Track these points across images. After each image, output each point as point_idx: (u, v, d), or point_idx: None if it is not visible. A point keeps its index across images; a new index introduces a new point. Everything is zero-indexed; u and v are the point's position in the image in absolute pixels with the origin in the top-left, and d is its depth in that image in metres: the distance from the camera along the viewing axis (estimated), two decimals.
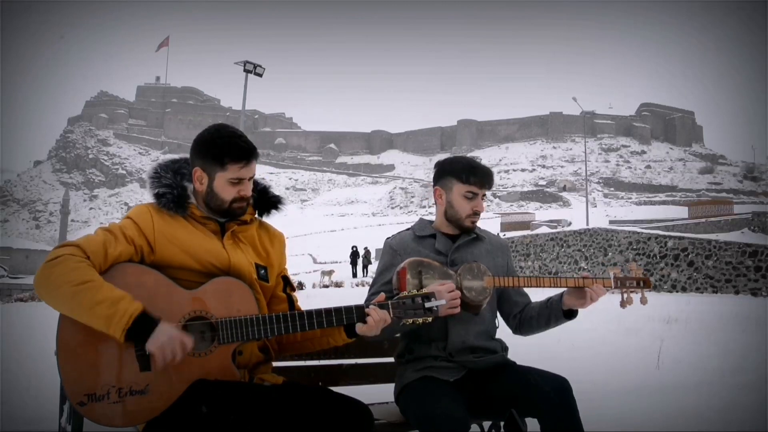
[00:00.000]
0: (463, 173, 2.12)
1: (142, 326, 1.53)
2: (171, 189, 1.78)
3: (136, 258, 1.70)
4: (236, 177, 1.77)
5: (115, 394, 1.55)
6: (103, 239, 1.66)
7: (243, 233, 1.87)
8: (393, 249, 2.14)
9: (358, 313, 1.73)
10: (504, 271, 2.16)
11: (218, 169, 1.76)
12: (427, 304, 1.73)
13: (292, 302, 1.93)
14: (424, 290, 1.79)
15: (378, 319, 1.72)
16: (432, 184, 2.25)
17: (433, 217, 2.27)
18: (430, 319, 1.75)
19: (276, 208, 1.98)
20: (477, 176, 2.11)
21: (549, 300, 2.13)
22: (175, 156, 1.96)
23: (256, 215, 1.95)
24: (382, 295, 1.81)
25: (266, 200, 1.96)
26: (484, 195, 2.15)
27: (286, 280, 1.96)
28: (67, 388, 1.55)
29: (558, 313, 2.09)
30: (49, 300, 1.57)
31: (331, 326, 1.73)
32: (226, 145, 1.76)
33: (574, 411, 1.86)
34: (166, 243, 1.72)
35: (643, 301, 2.10)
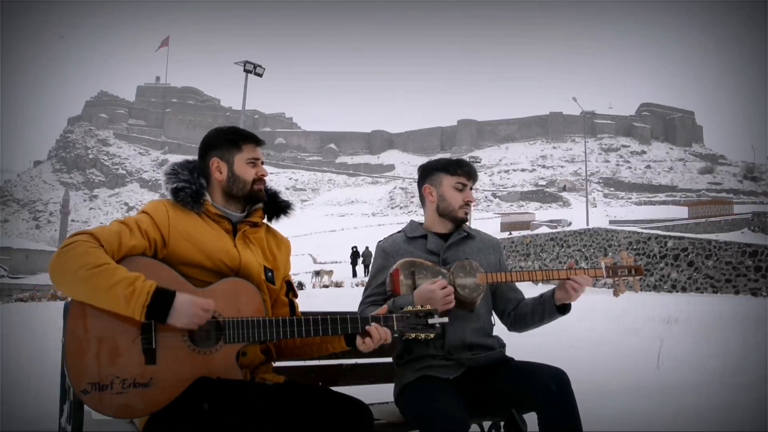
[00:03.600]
0: (450, 166, 2.20)
1: (161, 301, 1.55)
2: (189, 184, 1.82)
3: (149, 252, 1.71)
4: (253, 157, 1.89)
5: (119, 385, 1.56)
6: (118, 230, 1.68)
7: (253, 235, 1.91)
8: (385, 252, 2.17)
9: (362, 324, 1.76)
10: (496, 269, 2.18)
11: (235, 151, 1.88)
12: (430, 321, 1.76)
13: (293, 307, 1.96)
14: (417, 291, 1.80)
15: (378, 339, 1.75)
16: (418, 186, 2.29)
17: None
18: (432, 336, 1.77)
19: (285, 213, 2.01)
20: (464, 168, 2.20)
21: (542, 296, 2.15)
22: (189, 157, 2.00)
23: (265, 219, 1.98)
24: (384, 308, 1.83)
25: (276, 205, 1.99)
26: (472, 188, 2.21)
27: (289, 285, 2.00)
28: (71, 376, 1.55)
29: (551, 308, 2.11)
30: (64, 285, 1.58)
31: (335, 334, 1.75)
32: (236, 131, 1.92)
33: (572, 403, 1.86)
34: (179, 238, 1.74)
35: (635, 289, 2.10)
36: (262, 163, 1.93)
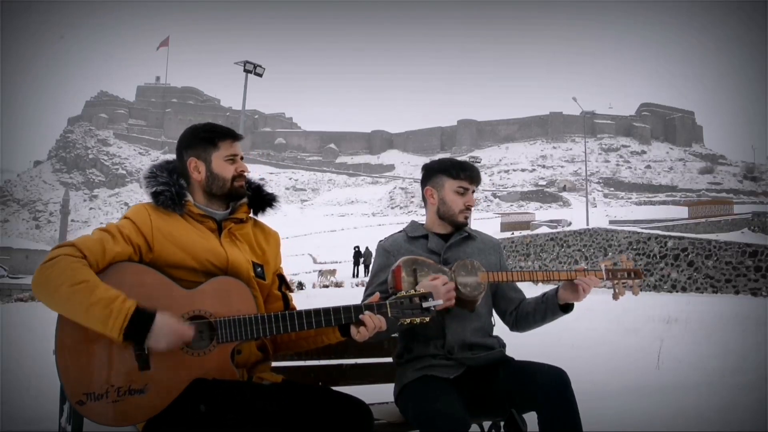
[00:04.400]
0: (453, 169, 2.18)
1: (139, 323, 1.53)
2: (169, 186, 1.80)
3: (135, 257, 1.70)
4: (231, 153, 1.86)
5: (114, 394, 1.55)
6: (100, 238, 1.66)
7: (239, 231, 1.89)
8: (386, 251, 2.17)
9: (355, 313, 1.74)
10: (496, 269, 2.17)
11: (212, 149, 1.85)
12: (425, 304, 1.74)
13: (287, 301, 1.94)
14: (419, 287, 1.79)
15: (373, 327, 1.73)
16: (421, 186, 2.29)
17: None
18: (427, 319, 1.75)
19: (270, 205, 1.99)
20: (467, 171, 2.18)
21: (545, 295, 2.15)
22: (169, 157, 1.97)
23: (251, 214, 1.96)
24: (377, 295, 1.82)
25: (260, 198, 1.97)
26: (474, 191, 2.20)
27: (281, 278, 1.97)
28: (66, 388, 1.55)
29: (554, 307, 2.11)
30: (47, 302, 1.57)
31: (329, 325, 1.73)
32: (211, 128, 1.88)
33: (572, 403, 1.86)
34: (164, 241, 1.72)
35: (635, 292, 2.11)
36: (242, 158, 1.89)
